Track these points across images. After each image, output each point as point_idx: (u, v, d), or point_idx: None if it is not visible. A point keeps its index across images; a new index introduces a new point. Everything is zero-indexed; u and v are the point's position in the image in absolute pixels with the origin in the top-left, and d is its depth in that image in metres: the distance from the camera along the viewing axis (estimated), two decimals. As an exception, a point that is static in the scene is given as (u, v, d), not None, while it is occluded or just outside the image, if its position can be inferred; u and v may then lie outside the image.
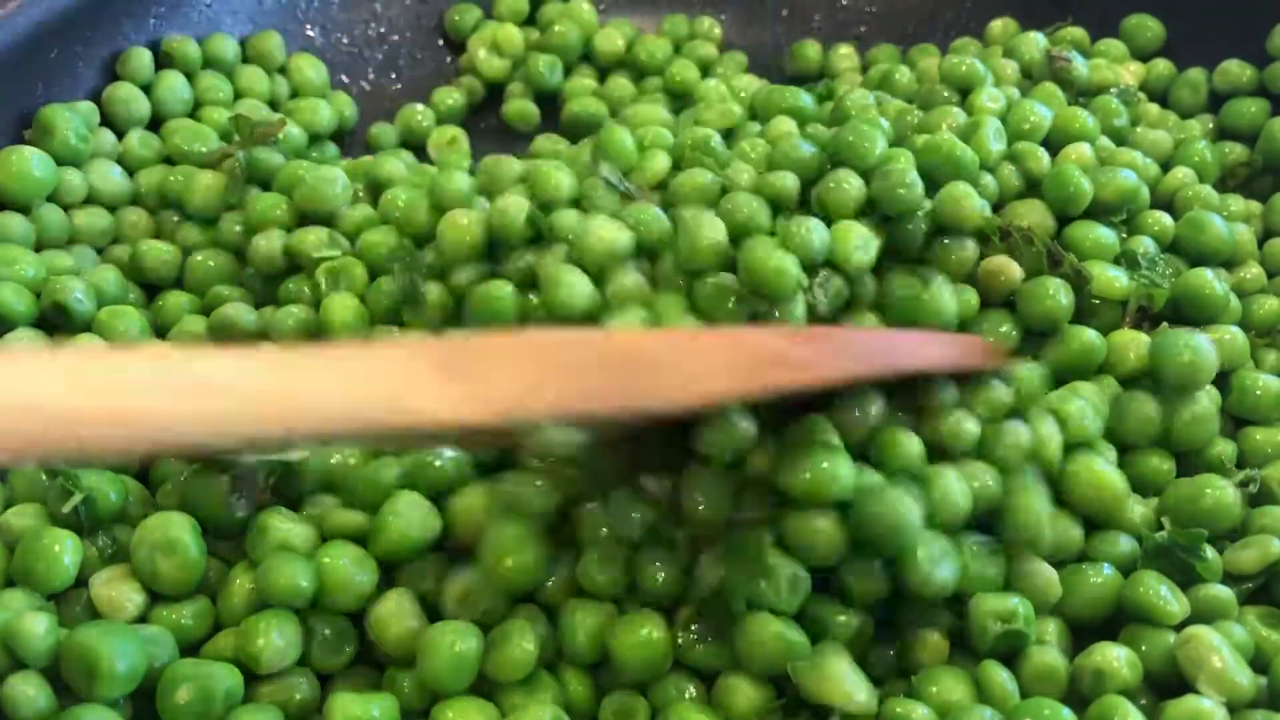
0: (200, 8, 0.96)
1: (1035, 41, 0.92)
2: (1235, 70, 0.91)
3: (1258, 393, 0.70)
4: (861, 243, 0.66)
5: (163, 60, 0.92)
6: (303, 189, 0.78)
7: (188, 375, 0.41)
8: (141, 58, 0.90)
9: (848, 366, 0.55)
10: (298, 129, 0.90)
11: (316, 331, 0.72)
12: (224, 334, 0.73)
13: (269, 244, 0.77)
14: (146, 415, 0.39)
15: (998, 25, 1.01)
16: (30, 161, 0.78)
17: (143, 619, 0.58)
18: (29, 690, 0.53)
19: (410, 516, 0.60)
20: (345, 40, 1.03)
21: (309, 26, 1.02)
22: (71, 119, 0.82)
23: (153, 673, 0.55)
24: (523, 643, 0.56)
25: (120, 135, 0.87)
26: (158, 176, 0.85)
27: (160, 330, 0.76)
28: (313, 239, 0.76)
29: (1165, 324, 0.71)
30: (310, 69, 0.98)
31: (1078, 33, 0.97)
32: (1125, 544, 0.62)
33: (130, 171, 0.86)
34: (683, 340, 0.57)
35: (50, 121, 0.81)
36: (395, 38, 1.04)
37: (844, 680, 0.55)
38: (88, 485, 0.60)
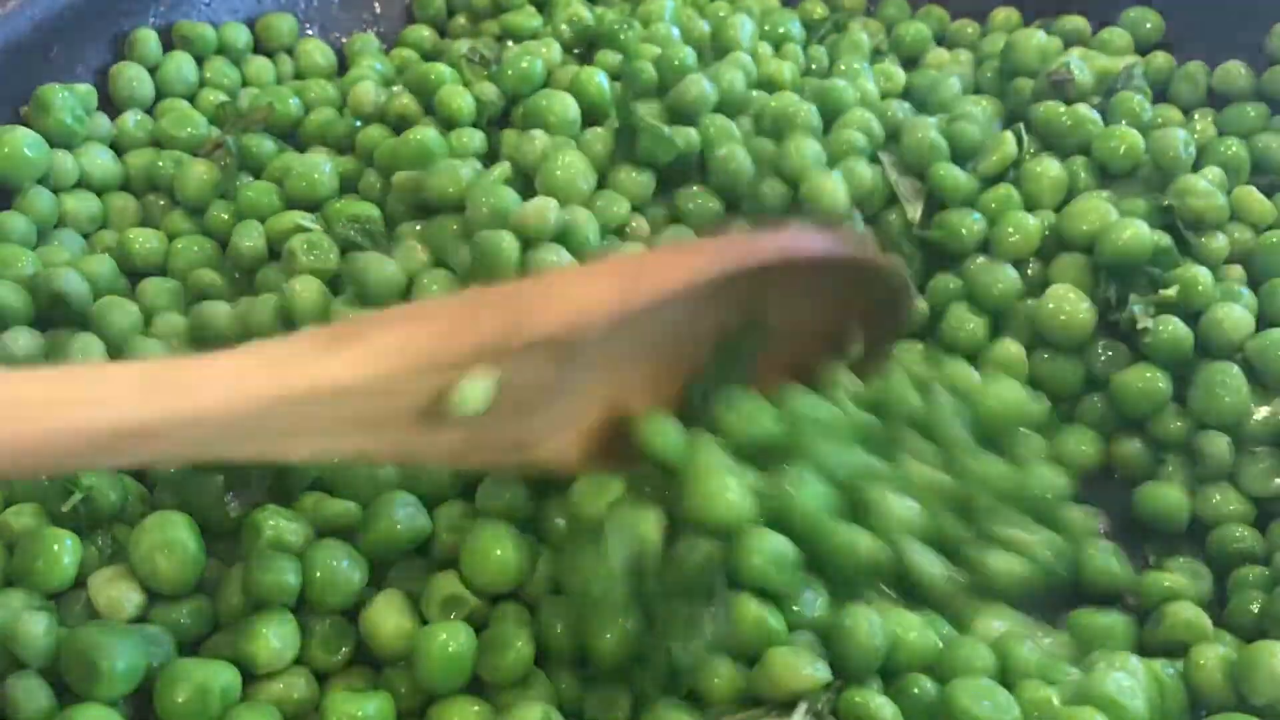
0: (200, 6, 0.96)
1: (1032, 39, 0.91)
2: (1235, 72, 0.90)
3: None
4: None
5: (174, 44, 0.93)
6: (292, 178, 0.80)
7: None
8: (149, 40, 0.90)
9: (727, 259, 0.57)
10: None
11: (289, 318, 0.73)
12: (202, 330, 0.74)
13: (251, 242, 0.78)
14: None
15: (1000, 14, 1.01)
16: (23, 143, 0.78)
17: (142, 619, 0.58)
18: (29, 690, 0.53)
19: (401, 514, 0.61)
20: (344, 40, 1.03)
21: (308, 26, 1.02)
22: (68, 99, 0.83)
23: (151, 672, 0.55)
24: (518, 644, 0.56)
25: (118, 115, 0.88)
26: (146, 159, 0.86)
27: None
28: (292, 215, 0.78)
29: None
30: (318, 53, 0.99)
31: (1079, 22, 0.97)
32: None
33: (121, 153, 0.87)
34: (564, 272, 0.62)
35: (47, 100, 0.82)
36: (395, 37, 1.03)
37: (799, 666, 0.53)
38: (87, 485, 0.60)
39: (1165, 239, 0.74)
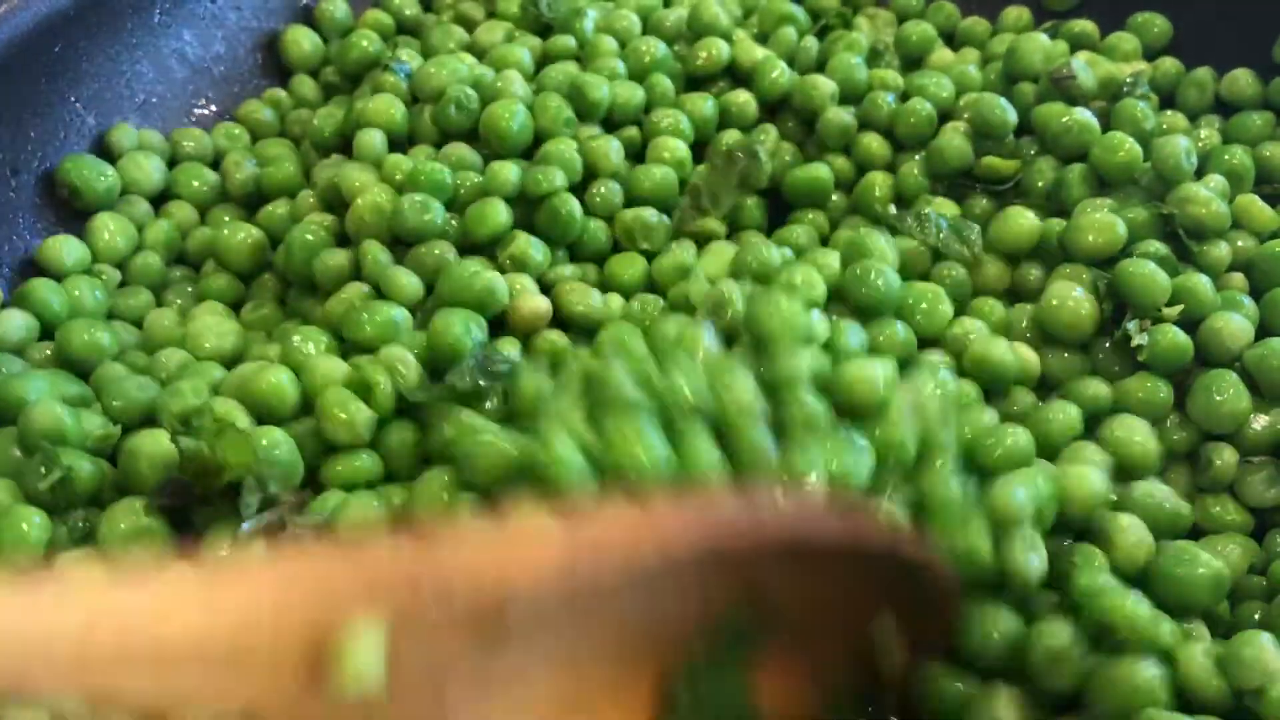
0: (205, 2, 0.96)
1: (1036, 42, 0.90)
2: (1243, 80, 0.89)
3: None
4: None
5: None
6: None
7: None
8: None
9: (713, 529, 0.45)
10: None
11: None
12: None
13: None
14: None
15: (1012, 13, 1.00)
16: None
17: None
18: None
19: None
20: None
21: (317, 20, 1.02)
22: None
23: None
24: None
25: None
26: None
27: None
28: None
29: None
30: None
31: (1088, 26, 0.96)
32: None
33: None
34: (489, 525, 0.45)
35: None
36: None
37: None
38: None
39: (1164, 249, 0.73)
